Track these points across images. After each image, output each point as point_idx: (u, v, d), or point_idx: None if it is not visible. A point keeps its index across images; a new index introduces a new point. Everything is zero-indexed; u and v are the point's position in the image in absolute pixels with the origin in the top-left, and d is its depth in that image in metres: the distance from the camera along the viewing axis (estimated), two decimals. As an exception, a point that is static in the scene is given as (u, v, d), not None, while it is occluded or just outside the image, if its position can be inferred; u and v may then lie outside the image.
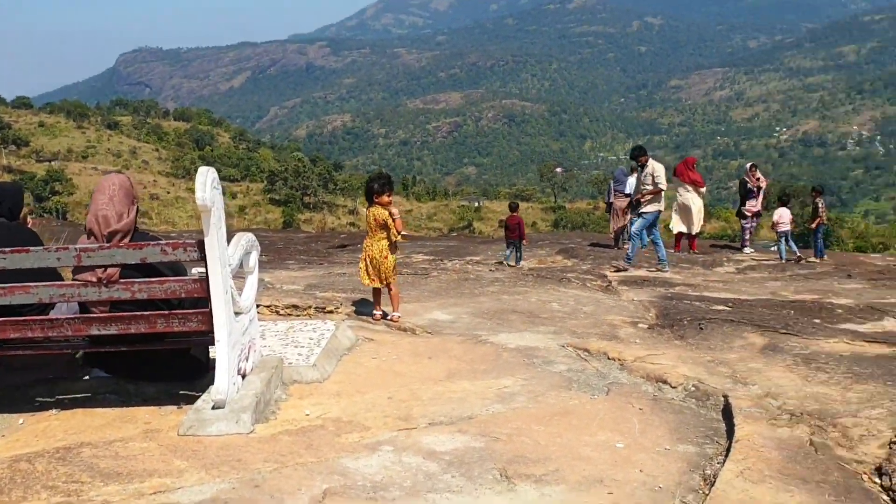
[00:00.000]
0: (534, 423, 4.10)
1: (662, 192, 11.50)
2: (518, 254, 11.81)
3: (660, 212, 11.58)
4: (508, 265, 11.50)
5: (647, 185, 11.48)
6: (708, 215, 45.83)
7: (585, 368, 5.23)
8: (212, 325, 3.96)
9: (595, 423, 4.13)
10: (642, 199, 11.55)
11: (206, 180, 3.75)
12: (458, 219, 67.88)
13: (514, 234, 11.79)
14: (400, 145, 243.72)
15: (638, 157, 11.84)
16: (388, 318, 6.66)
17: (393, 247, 6.68)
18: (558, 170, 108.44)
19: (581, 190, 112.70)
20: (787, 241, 13.84)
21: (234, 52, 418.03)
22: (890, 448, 3.52)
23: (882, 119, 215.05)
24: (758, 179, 15.22)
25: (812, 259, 13.62)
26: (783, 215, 14.08)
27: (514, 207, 12.69)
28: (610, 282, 9.67)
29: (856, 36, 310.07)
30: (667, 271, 11.07)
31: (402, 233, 6.69)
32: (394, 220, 6.53)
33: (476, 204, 78.55)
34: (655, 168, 11.43)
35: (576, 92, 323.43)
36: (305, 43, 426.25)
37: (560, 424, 4.08)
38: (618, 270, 10.83)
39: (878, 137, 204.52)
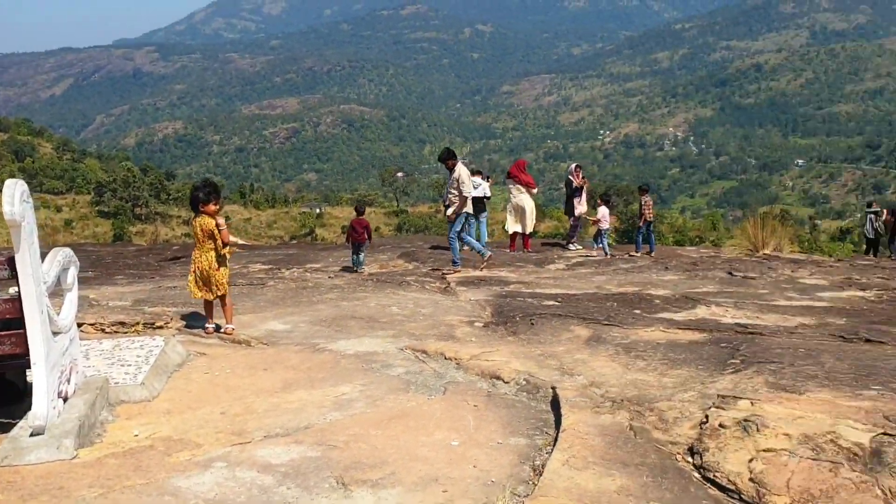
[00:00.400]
0: (371, 427, 4.12)
1: (468, 198, 11.54)
2: (359, 257, 11.77)
3: (468, 214, 11.75)
4: (360, 270, 11.43)
5: (454, 189, 11.50)
6: (541, 215, 47.57)
7: (423, 370, 5.32)
8: (27, 346, 3.74)
9: (432, 423, 4.21)
10: (450, 204, 11.67)
11: (14, 193, 3.53)
12: (300, 226, 66.92)
13: (361, 236, 11.71)
14: (236, 152, 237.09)
15: (445, 160, 11.68)
16: (222, 330, 6.49)
17: (223, 257, 6.50)
18: (399, 174, 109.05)
19: (422, 194, 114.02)
20: (599, 238, 14.68)
21: (55, 58, 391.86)
22: (700, 429, 3.80)
23: (694, 121, 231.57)
24: (582, 179, 15.97)
25: (633, 254, 14.45)
26: (605, 214, 14.87)
27: (360, 210, 12.60)
28: (448, 283, 9.85)
29: (668, 43, 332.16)
30: (488, 255, 11.40)
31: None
32: (220, 231, 6.35)
33: (318, 210, 77.67)
34: (462, 174, 11.42)
35: (413, 97, 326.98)
36: (132, 48, 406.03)
37: (397, 427, 4.13)
38: (443, 276, 10.92)
39: (692, 138, 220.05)
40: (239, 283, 9.49)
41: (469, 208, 11.70)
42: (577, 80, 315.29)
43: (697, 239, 45.31)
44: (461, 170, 11.51)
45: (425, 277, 10.49)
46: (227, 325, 6.51)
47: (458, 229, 11.72)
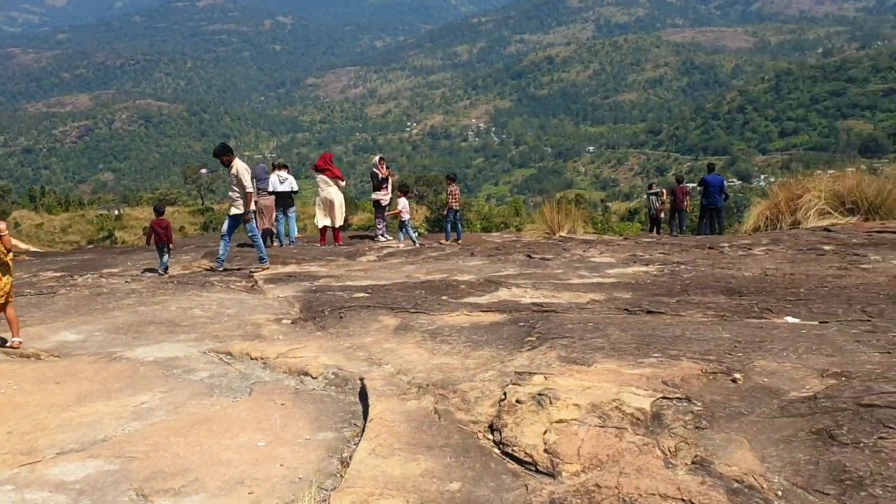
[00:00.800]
0: (173, 435, 3.99)
1: (252, 193, 11.03)
2: (164, 259, 11.24)
3: (238, 215, 11.18)
4: (163, 273, 10.90)
5: (235, 187, 11.01)
6: (354, 207, 47.53)
7: (228, 372, 5.20)
8: None
9: (237, 425, 4.14)
10: (233, 203, 11.11)
11: None
12: (98, 229, 62.87)
13: (161, 238, 11.17)
14: (23, 153, 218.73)
15: (220, 156, 11.05)
16: (7, 344, 6.01)
17: (5, 265, 6.01)
18: (203, 171, 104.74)
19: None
20: (404, 229, 14.96)
21: None
22: (499, 406, 3.98)
23: (494, 112, 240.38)
24: (387, 170, 16.18)
25: (442, 242, 14.82)
26: (405, 205, 15.19)
27: (160, 211, 11.99)
28: (256, 281, 9.66)
29: (467, 36, 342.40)
30: (221, 268, 11.05)
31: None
32: (1, 237, 5.88)
33: (116, 212, 73.18)
34: (239, 169, 10.95)
35: (214, 91, 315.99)
36: None
37: (201, 432, 4.02)
38: (250, 274, 10.60)
39: (493, 129, 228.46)
40: (26, 292, 8.82)
41: (251, 206, 11.20)
42: (382, 73, 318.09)
43: (503, 224, 47.05)
44: (238, 165, 10.98)
45: (231, 277, 10.23)
46: (13, 339, 6.04)
47: (231, 227, 11.24)
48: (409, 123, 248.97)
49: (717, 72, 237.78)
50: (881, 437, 3.23)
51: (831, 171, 16.91)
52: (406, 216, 14.99)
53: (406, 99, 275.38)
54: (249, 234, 11.37)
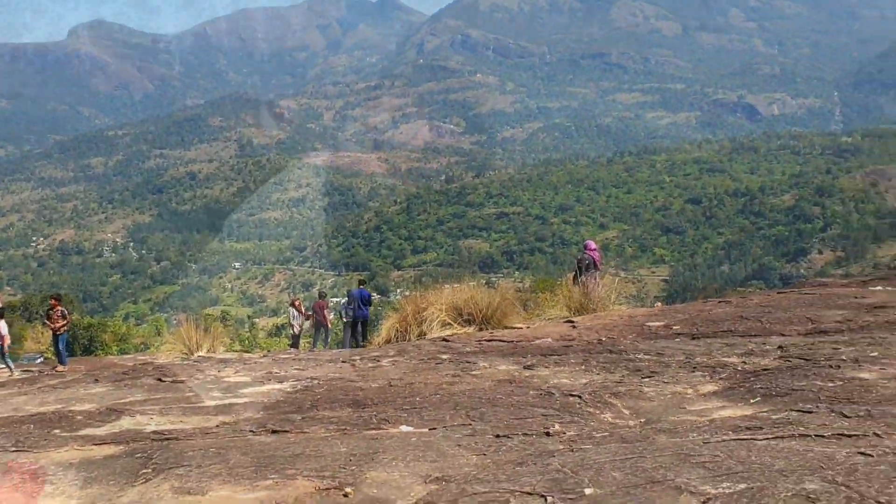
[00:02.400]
0: None
1: None
2: None
3: None
4: None
5: None
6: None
7: None
8: None
9: None
10: None
11: None
12: None
13: None
14: None
15: None
16: None
17: None
18: None
19: None
20: (2, 356, 13.80)
21: None
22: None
23: (133, 226, 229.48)
24: (-2, 294, 14.70)
25: (60, 368, 13.61)
26: (3, 330, 14.01)
27: None
28: None
29: (103, 149, 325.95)
30: None
31: None
32: None
33: None
34: None
35: None
36: None
37: None
38: None
39: (131, 244, 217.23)
40: None
41: None
42: (4, 184, 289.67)
43: (142, 346, 44.44)
44: None
45: None
46: None
47: None
48: (34, 238, 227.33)
49: (354, 193, 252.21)
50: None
51: (456, 285, 18.55)
52: (8, 341, 13.75)
53: (32, 212, 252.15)
54: None
